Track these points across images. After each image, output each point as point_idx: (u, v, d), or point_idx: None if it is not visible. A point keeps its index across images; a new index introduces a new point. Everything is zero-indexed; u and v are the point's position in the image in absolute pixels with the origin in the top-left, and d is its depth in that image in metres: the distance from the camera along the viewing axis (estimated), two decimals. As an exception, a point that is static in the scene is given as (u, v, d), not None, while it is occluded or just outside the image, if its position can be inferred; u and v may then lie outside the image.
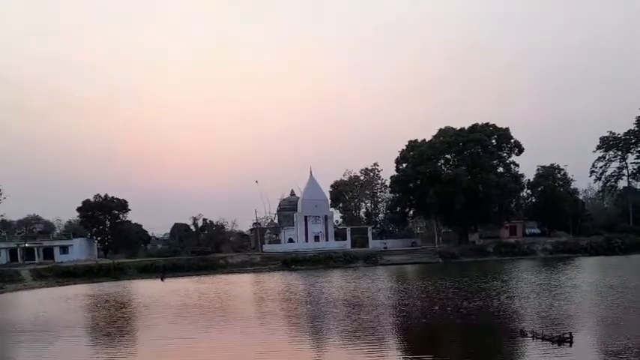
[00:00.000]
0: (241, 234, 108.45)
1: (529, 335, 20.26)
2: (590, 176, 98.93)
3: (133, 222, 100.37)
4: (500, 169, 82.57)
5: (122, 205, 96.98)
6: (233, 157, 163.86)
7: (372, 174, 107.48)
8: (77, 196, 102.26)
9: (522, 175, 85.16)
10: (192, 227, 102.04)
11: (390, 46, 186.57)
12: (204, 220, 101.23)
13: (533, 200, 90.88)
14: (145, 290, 49.80)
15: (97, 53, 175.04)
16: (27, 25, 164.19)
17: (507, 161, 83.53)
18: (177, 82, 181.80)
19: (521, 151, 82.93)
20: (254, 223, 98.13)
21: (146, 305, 37.01)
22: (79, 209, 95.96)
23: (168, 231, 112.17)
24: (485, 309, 27.96)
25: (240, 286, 50.97)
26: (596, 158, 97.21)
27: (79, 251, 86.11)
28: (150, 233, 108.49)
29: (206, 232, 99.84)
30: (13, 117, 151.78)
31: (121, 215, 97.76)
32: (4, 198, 74.71)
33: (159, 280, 60.80)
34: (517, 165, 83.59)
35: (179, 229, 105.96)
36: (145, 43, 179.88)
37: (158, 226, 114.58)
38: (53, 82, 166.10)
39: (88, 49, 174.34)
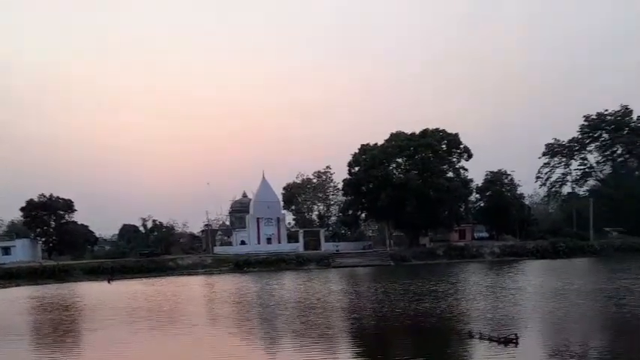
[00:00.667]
0: (192, 236, 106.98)
1: (476, 336, 20.58)
2: (536, 182, 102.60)
3: (79, 223, 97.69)
4: (450, 174, 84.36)
5: (68, 205, 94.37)
6: (184, 157, 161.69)
7: (324, 177, 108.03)
8: (21, 196, 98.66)
9: (471, 180, 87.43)
10: (142, 228, 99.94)
11: (346, 51, 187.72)
12: (154, 221, 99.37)
13: (482, 205, 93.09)
14: (91, 293, 48.55)
15: (37, 49, 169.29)
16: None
17: (457, 166, 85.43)
18: (128, 78, 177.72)
19: (470, 156, 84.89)
20: (205, 225, 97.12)
21: (92, 308, 35.97)
22: (22, 209, 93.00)
23: (117, 232, 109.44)
24: (434, 311, 28.32)
25: (190, 288, 50.23)
26: (542, 164, 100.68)
27: (22, 252, 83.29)
28: (97, 234, 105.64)
29: (156, 233, 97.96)
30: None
31: (66, 216, 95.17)
32: None
33: (106, 283, 59.38)
34: (466, 170, 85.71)
35: (127, 231, 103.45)
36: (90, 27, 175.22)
37: (106, 227, 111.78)
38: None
39: (35, 44, 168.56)
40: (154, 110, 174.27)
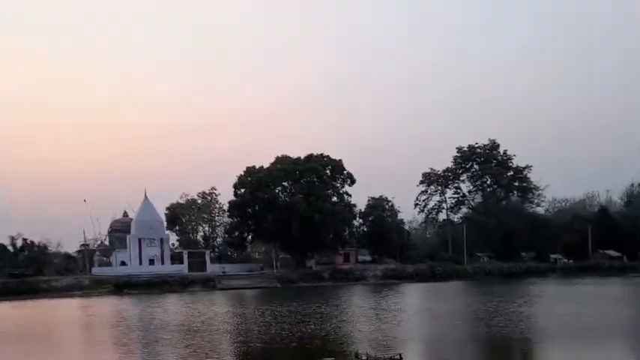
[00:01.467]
0: (67, 256, 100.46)
1: (363, 357, 21.35)
2: (415, 208, 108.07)
3: None
4: (335, 198, 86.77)
5: None
6: (60, 174, 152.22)
7: (209, 198, 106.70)
8: None
9: (355, 205, 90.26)
10: (10, 247, 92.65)
11: (232, 73, 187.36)
12: (24, 239, 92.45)
13: (365, 229, 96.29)
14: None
15: None
16: None
17: (341, 191, 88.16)
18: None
19: (353, 182, 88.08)
20: (82, 245, 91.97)
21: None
22: None
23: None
24: (319, 332, 29.01)
25: (66, 311, 47.76)
26: (420, 192, 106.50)
27: None
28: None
29: (26, 252, 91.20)
30: None
31: None
32: None
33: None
34: (350, 195, 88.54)
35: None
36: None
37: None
38: None
39: None
40: (29, 116, 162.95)
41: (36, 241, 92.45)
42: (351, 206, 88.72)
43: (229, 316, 38.48)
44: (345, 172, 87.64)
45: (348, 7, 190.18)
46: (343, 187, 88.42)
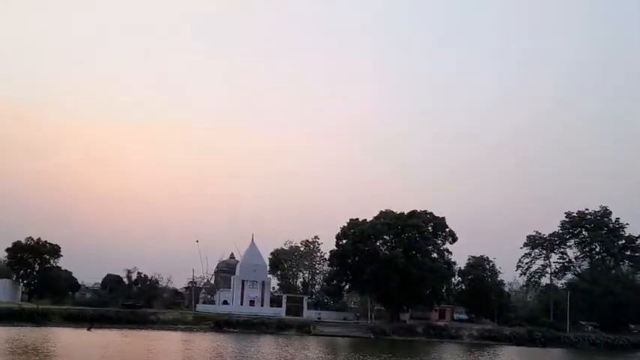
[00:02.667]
0: (175, 291, 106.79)
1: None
2: (517, 270, 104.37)
3: (63, 268, 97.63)
4: (435, 255, 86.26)
5: (54, 251, 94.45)
6: (175, 212, 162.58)
7: (312, 246, 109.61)
8: (8, 236, 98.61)
9: (454, 263, 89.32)
10: (125, 280, 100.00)
11: (338, 128, 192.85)
12: (139, 273, 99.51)
13: (463, 287, 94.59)
14: (68, 339, 48.67)
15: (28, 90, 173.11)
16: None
17: (441, 248, 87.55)
18: (118, 130, 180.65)
19: (455, 239, 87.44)
20: (190, 282, 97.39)
21: (63, 355, 36.01)
22: (7, 250, 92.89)
23: (99, 281, 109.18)
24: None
25: (168, 343, 50.66)
26: (523, 254, 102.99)
27: (2, 292, 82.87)
28: (80, 281, 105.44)
29: (139, 285, 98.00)
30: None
31: (51, 260, 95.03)
32: None
33: (85, 330, 59.42)
34: (450, 252, 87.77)
35: (111, 280, 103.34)
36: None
37: (89, 275, 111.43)
38: None
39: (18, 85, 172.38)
40: (149, 163, 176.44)
41: (149, 276, 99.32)
42: (450, 263, 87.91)
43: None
44: (447, 229, 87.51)
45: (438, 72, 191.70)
46: (444, 244, 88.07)
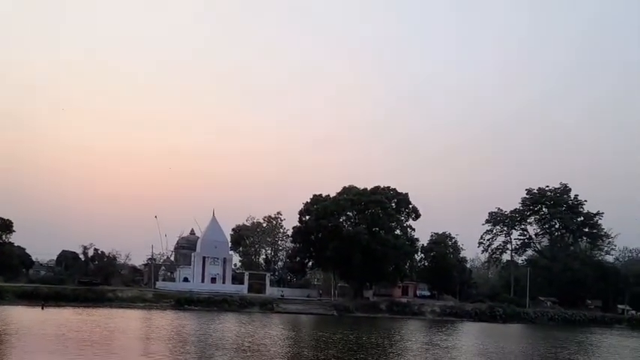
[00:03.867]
0: (134, 268, 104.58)
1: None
2: (478, 247, 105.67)
3: (16, 244, 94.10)
4: (398, 232, 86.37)
5: (6, 226, 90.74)
6: (133, 188, 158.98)
7: (274, 222, 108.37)
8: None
9: (417, 239, 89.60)
10: (82, 256, 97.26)
11: (302, 101, 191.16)
12: (96, 249, 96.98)
13: (426, 264, 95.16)
14: (21, 318, 46.60)
15: None
16: None
17: (405, 224, 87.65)
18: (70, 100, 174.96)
19: (418, 216, 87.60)
20: (149, 259, 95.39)
21: (19, 334, 34.49)
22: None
23: (54, 258, 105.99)
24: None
25: (127, 321, 49.04)
26: (485, 231, 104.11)
27: (-50, 269, 79.50)
28: (34, 258, 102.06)
29: (96, 262, 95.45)
30: None
31: (3, 236, 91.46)
32: None
33: (39, 309, 57.13)
34: (413, 229, 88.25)
35: (66, 257, 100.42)
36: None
37: (44, 252, 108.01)
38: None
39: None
40: (107, 135, 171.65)
41: (106, 252, 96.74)
42: (413, 240, 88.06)
43: (282, 339, 38.75)
44: (410, 205, 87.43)
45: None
46: (407, 220, 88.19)
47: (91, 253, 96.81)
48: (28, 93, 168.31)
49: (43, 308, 57.67)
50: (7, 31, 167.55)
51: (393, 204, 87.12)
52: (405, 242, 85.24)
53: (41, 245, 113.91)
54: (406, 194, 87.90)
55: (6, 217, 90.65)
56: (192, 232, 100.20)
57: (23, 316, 49.11)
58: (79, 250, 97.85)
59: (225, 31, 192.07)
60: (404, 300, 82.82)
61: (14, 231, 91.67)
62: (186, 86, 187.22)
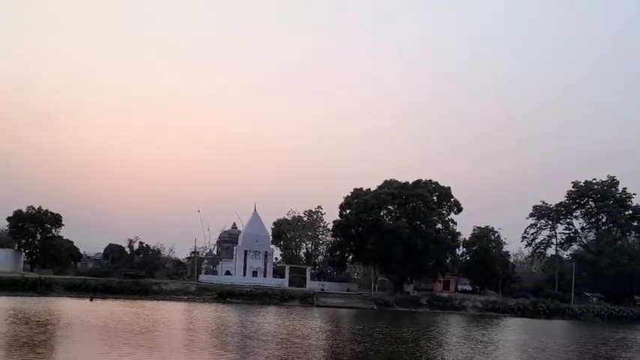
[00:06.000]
0: (178, 261, 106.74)
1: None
2: (522, 241, 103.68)
3: (65, 238, 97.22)
4: (439, 225, 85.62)
5: (56, 220, 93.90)
6: (177, 183, 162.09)
7: (315, 216, 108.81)
8: (9, 205, 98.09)
9: (459, 233, 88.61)
10: (128, 249, 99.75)
11: (345, 93, 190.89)
12: (141, 243, 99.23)
13: (468, 258, 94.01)
14: (71, 309, 48.22)
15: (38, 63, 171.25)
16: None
17: (446, 218, 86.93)
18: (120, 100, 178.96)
19: (460, 210, 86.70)
20: (192, 252, 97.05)
21: (69, 325, 35.81)
22: (9, 219, 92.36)
23: (101, 251, 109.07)
24: (410, 356, 28.80)
25: (171, 313, 50.16)
26: (529, 225, 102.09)
27: (4, 262, 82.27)
28: (82, 251, 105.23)
29: (141, 255, 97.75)
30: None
31: (53, 230, 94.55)
32: None
33: (87, 300, 58.91)
34: (455, 223, 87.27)
35: (113, 250, 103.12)
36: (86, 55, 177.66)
37: (91, 245, 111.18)
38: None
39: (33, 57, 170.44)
40: (151, 131, 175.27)
41: (151, 245, 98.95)
42: (455, 234, 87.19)
43: (321, 332, 39.04)
44: (452, 199, 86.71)
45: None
46: (449, 214, 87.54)
47: (136, 246, 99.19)
48: (65, 91, 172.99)
49: (92, 300, 59.52)
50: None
51: (435, 197, 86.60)
52: (447, 236, 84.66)
53: (89, 239, 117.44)
54: (448, 188, 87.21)
55: (55, 212, 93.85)
56: (234, 226, 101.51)
57: (73, 307, 50.74)
58: (124, 244, 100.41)
59: (276, 20, 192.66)
60: (445, 294, 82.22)
61: (63, 225, 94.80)
62: (233, 74, 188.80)
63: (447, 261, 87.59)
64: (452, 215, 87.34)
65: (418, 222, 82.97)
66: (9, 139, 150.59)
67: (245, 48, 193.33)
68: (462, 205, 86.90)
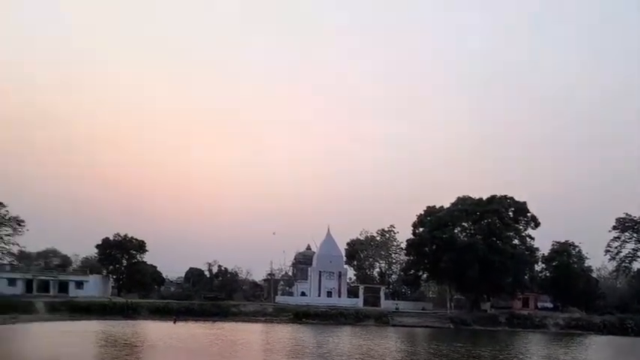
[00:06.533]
0: (255, 283, 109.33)
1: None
2: (605, 255, 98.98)
3: (148, 263, 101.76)
4: (516, 241, 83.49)
5: (140, 246, 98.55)
6: (252, 207, 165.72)
7: (388, 235, 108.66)
8: (97, 233, 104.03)
9: (537, 249, 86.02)
10: (207, 273, 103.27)
11: (415, 113, 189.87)
12: (219, 266, 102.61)
13: (547, 274, 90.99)
14: (155, 331, 50.65)
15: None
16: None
17: (523, 234, 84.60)
18: (202, 130, 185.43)
19: (537, 225, 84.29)
20: (268, 274, 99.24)
21: (154, 346, 37.55)
22: (97, 246, 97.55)
23: (183, 275, 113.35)
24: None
25: (250, 334, 51.76)
26: (612, 238, 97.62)
27: (93, 287, 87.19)
28: (164, 275, 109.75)
29: (220, 278, 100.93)
30: (43, 151, 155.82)
31: (138, 255, 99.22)
32: (27, 230, 76.23)
33: (171, 323, 61.48)
34: (532, 238, 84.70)
35: (193, 274, 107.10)
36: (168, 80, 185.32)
37: (173, 269, 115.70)
38: (83, 118, 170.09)
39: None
40: (227, 157, 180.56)
41: (229, 269, 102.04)
42: (533, 250, 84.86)
43: (397, 352, 39.22)
44: (529, 214, 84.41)
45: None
46: (526, 229, 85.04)
47: (215, 269, 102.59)
48: (152, 121, 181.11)
49: (174, 322, 62.14)
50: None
51: (511, 213, 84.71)
52: (524, 252, 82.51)
53: (170, 263, 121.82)
54: (524, 203, 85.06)
55: (140, 238, 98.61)
56: (308, 248, 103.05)
57: (157, 329, 53.24)
58: (204, 267, 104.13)
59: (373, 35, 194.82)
60: (524, 312, 79.88)
61: (147, 251, 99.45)
62: (305, 99, 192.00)
63: (526, 277, 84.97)
64: (529, 230, 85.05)
65: (494, 238, 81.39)
66: (95, 171, 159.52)
67: (316, 73, 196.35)
68: (540, 220, 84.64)
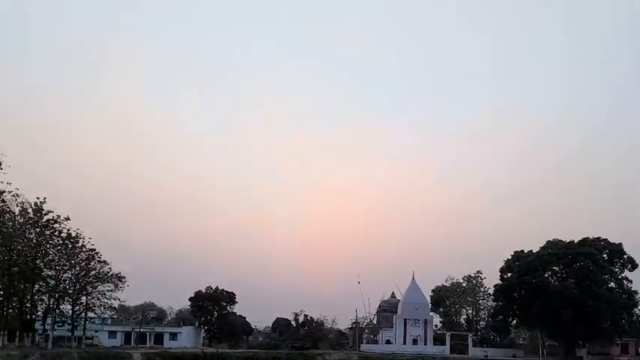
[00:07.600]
0: (340, 332, 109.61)
1: None
2: None
3: (238, 314, 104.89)
4: (612, 284, 79.88)
5: (230, 298, 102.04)
6: (337, 256, 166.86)
7: (474, 281, 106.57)
8: (190, 286, 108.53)
9: (636, 292, 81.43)
10: (293, 322, 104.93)
11: (499, 156, 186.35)
12: (305, 315, 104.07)
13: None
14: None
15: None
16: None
17: (619, 276, 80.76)
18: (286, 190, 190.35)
19: (635, 266, 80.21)
20: (353, 322, 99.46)
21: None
22: (191, 299, 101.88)
23: (270, 324, 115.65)
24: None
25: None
26: None
27: (186, 338, 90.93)
28: (252, 325, 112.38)
29: (306, 327, 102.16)
30: (145, 219, 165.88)
31: (228, 307, 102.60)
32: (128, 285, 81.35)
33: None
34: (630, 281, 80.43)
35: (280, 324, 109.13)
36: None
37: (261, 319, 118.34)
38: (179, 188, 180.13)
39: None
40: (311, 209, 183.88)
41: (315, 318, 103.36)
42: (631, 292, 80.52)
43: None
44: (625, 256, 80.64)
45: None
46: (623, 272, 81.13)
47: (301, 319, 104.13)
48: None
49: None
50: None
51: (605, 255, 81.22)
52: (622, 295, 78.58)
53: (259, 313, 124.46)
54: (619, 244, 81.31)
55: (230, 290, 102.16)
56: (392, 295, 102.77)
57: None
58: (291, 317, 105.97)
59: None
60: (624, 358, 75.63)
61: (237, 302, 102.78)
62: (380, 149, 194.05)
63: (624, 322, 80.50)
64: (626, 273, 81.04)
65: (587, 282, 78.12)
66: (189, 227, 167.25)
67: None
68: (638, 262, 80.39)
